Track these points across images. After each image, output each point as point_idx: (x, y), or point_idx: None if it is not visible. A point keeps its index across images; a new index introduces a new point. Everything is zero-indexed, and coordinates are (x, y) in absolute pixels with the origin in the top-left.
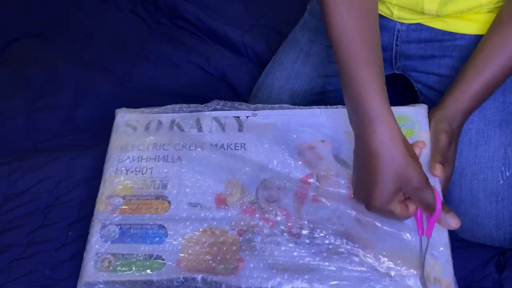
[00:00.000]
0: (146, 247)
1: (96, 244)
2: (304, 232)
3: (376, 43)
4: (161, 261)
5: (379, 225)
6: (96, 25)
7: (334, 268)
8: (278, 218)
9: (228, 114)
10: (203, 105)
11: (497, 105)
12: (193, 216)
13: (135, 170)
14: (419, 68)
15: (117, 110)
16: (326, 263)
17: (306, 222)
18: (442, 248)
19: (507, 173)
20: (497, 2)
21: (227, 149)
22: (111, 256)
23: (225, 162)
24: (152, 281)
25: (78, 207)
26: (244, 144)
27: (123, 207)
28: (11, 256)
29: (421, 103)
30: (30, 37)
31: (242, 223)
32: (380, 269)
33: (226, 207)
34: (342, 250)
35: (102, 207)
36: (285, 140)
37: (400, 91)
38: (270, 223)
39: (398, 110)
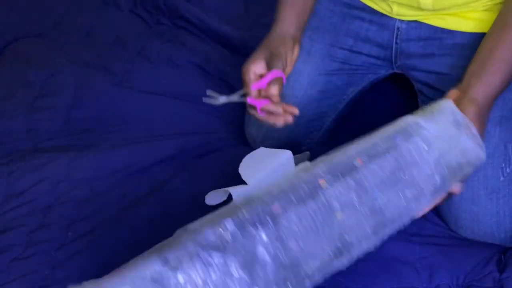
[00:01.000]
0: None
1: None
2: None
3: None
4: None
5: None
6: (96, 25)
7: None
8: None
9: None
10: None
11: (497, 102)
12: None
13: None
14: (419, 67)
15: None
16: None
17: None
18: None
19: (508, 170)
20: None
21: None
22: None
23: None
24: None
25: (78, 207)
26: None
27: None
28: (11, 256)
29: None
30: (30, 37)
31: None
32: None
33: None
34: None
35: None
36: None
37: (400, 91)
38: None
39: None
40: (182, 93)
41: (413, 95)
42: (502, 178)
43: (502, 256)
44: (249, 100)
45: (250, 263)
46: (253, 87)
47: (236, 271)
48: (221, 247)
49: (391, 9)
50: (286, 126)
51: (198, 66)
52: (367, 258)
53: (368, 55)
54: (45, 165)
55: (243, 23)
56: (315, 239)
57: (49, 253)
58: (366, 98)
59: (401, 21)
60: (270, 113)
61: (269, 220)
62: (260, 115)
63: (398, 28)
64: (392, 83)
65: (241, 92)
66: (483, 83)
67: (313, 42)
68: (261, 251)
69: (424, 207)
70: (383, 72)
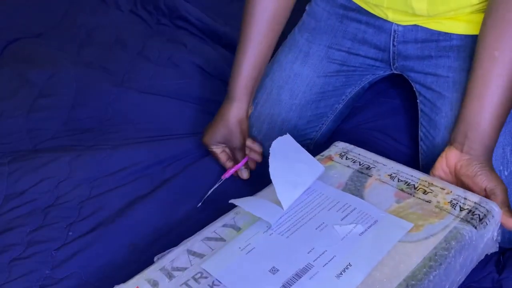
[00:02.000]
0: None
1: None
2: None
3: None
4: None
5: None
6: (96, 25)
7: None
8: None
9: None
10: None
11: None
12: None
13: None
14: (416, 68)
15: None
16: None
17: None
18: None
19: (506, 172)
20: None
21: None
22: None
23: None
24: None
25: (78, 207)
26: None
27: None
28: (11, 256)
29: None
30: (30, 37)
31: None
32: None
33: None
34: None
35: None
36: None
37: (399, 91)
38: None
39: None
40: (182, 93)
41: (412, 94)
42: None
43: (501, 257)
44: (227, 176)
45: None
46: (228, 174)
47: None
48: None
49: (386, 15)
50: (286, 127)
51: (198, 66)
52: None
53: (366, 57)
54: (45, 165)
55: None
56: None
57: (49, 253)
58: (365, 98)
59: (398, 24)
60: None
61: None
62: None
63: (394, 31)
64: (391, 83)
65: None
66: (481, 137)
67: (311, 44)
68: None
69: None
70: (381, 73)
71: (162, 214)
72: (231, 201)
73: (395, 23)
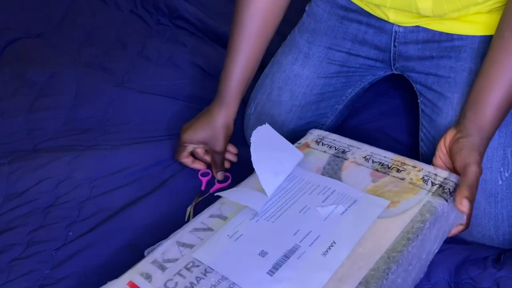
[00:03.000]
0: None
1: None
2: None
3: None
4: None
5: None
6: (96, 25)
7: None
8: None
9: None
10: None
11: None
12: None
13: None
14: (417, 69)
15: None
16: None
17: None
18: None
19: (506, 174)
20: (494, 2)
21: None
22: None
23: None
24: None
25: (78, 207)
26: None
27: None
28: (11, 256)
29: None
30: (30, 37)
31: None
32: None
33: None
34: None
35: None
36: None
37: (399, 91)
38: None
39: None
40: (182, 93)
41: (412, 95)
42: (500, 182)
43: (499, 256)
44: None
45: None
46: (212, 189)
47: None
48: None
49: (387, 16)
50: (286, 128)
51: (198, 66)
52: None
53: (366, 58)
54: (45, 165)
55: None
56: None
57: (49, 253)
58: (366, 99)
59: (399, 25)
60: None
61: None
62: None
63: (395, 32)
64: (392, 83)
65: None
66: (478, 118)
67: (311, 45)
68: None
69: None
70: (381, 74)
71: (162, 214)
72: (217, 193)
73: (396, 24)
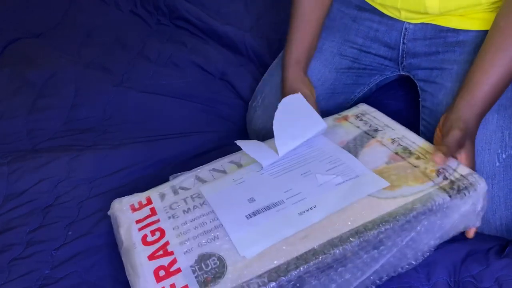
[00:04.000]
0: None
1: None
2: None
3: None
4: None
5: None
6: (96, 25)
7: None
8: None
9: None
10: None
11: None
12: None
13: None
14: (423, 65)
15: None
16: None
17: None
18: None
19: (504, 155)
20: (497, 1)
21: None
22: None
23: None
24: None
25: (78, 207)
26: None
27: None
28: (11, 256)
29: None
30: (30, 37)
31: None
32: None
33: None
34: None
35: None
36: None
37: (404, 94)
38: None
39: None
40: (182, 93)
41: (416, 99)
42: (497, 164)
43: (500, 251)
44: None
45: None
46: None
47: None
48: None
49: (400, 14)
50: None
51: (198, 66)
52: None
53: (376, 55)
54: (45, 165)
55: (243, 23)
56: None
57: (49, 253)
58: (372, 100)
59: (409, 22)
60: None
61: None
62: None
63: (406, 29)
64: (396, 87)
65: None
66: (470, 96)
67: (324, 40)
68: None
69: None
70: (389, 74)
71: None
72: (237, 142)
73: (407, 22)
